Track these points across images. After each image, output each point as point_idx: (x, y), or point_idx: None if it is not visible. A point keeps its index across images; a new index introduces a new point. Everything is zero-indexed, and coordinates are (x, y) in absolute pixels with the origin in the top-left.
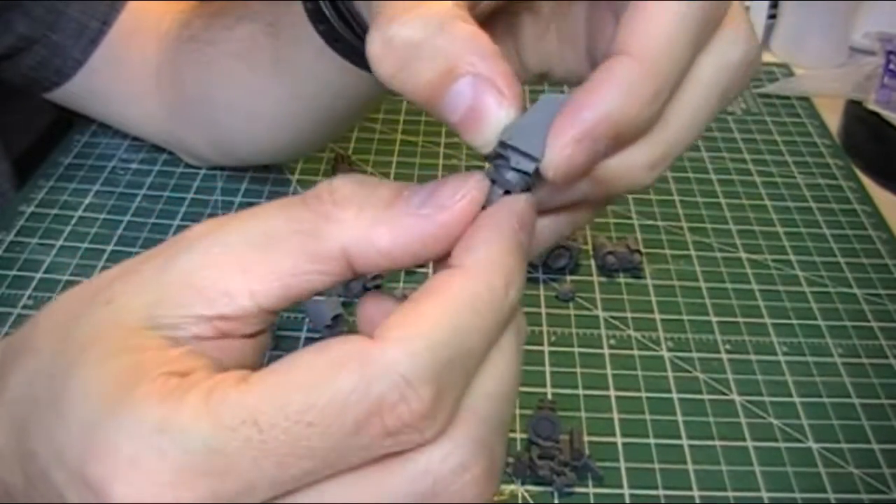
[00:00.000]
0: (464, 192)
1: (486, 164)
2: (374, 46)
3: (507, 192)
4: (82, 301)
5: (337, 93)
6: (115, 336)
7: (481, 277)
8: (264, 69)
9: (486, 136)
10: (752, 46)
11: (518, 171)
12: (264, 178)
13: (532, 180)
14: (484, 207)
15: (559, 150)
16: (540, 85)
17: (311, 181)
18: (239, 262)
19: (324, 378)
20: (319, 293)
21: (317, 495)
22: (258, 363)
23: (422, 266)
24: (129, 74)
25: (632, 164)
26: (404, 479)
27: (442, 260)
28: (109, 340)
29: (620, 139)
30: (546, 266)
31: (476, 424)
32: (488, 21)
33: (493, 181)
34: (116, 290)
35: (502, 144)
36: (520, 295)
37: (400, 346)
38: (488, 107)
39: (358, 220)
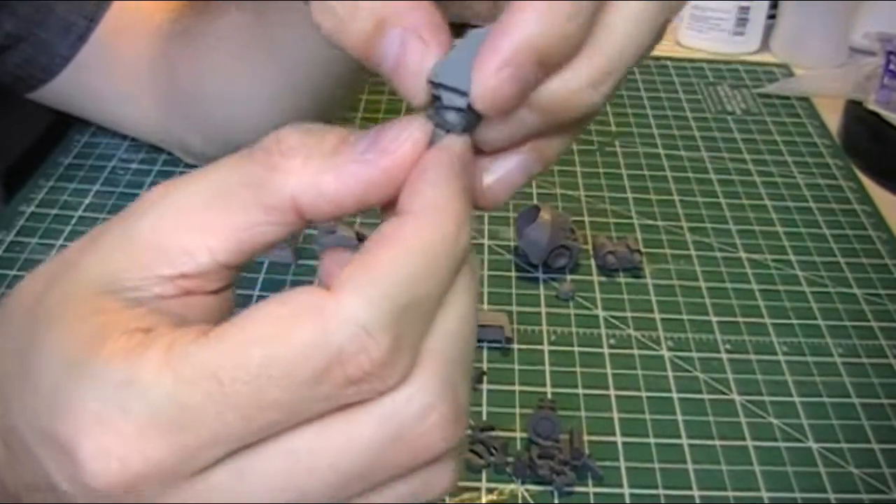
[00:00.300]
0: (406, 135)
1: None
2: (315, 8)
3: (451, 132)
4: (51, 273)
5: (327, 68)
6: (81, 302)
7: (432, 223)
8: (256, 54)
9: (415, 84)
10: None
11: (454, 108)
12: None
13: (472, 118)
14: None
15: (483, 82)
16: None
17: None
18: (194, 220)
19: (282, 330)
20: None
21: (283, 445)
22: (224, 319)
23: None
24: (119, 72)
25: (573, 86)
26: (371, 424)
27: (390, 204)
28: (75, 306)
29: (546, 63)
30: (546, 266)
31: (438, 365)
32: None
33: (436, 124)
34: (81, 259)
35: (433, 84)
36: (469, 237)
37: (356, 295)
38: (413, 57)
39: (305, 169)
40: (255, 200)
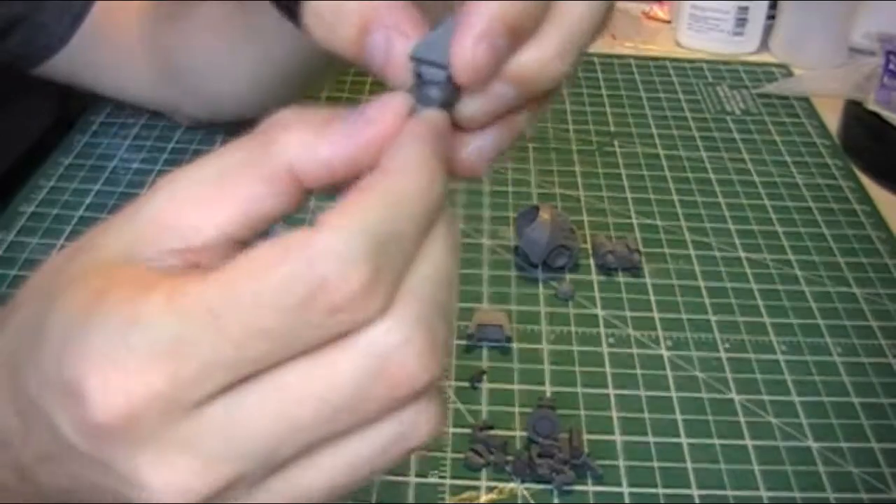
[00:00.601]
0: (389, 107)
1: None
2: (308, 19)
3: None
4: (65, 257)
5: (304, 55)
6: (95, 271)
7: (406, 175)
8: (238, 38)
9: (400, 74)
10: None
11: (434, 82)
12: None
13: (451, 92)
14: None
15: (462, 55)
16: None
17: None
18: (201, 197)
19: (271, 264)
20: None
21: (274, 379)
22: None
23: None
24: (114, 48)
25: (541, 56)
26: (353, 356)
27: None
28: (90, 275)
29: (516, 33)
30: (546, 265)
31: (415, 303)
32: None
33: (417, 100)
34: (94, 240)
35: (415, 62)
36: (444, 193)
37: (336, 230)
38: (399, 50)
39: (300, 139)
40: (256, 173)
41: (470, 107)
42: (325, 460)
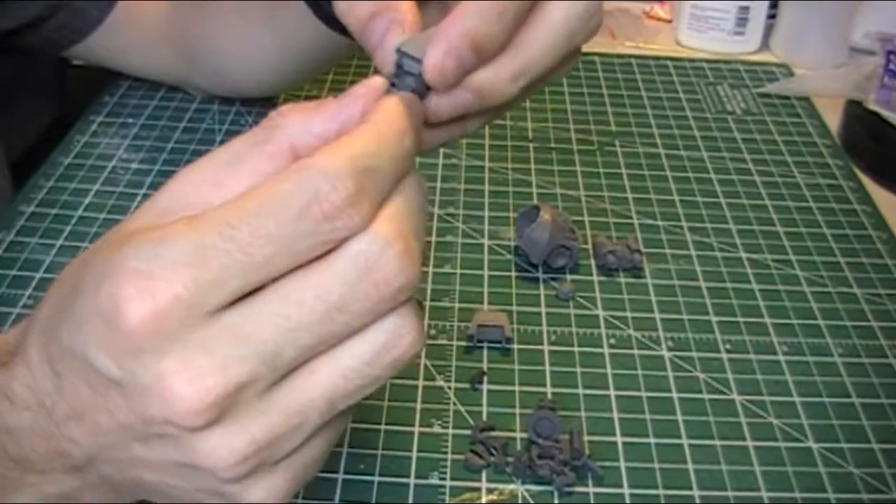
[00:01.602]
0: (369, 86)
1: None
2: None
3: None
4: (95, 245)
5: (319, 48)
6: (118, 240)
7: (383, 124)
8: (260, 25)
9: (384, 57)
10: (594, 3)
11: (411, 74)
12: None
13: (423, 86)
14: None
15: (434, 58)
16: None
17: None
18: (213, 178)
19: (273, 185)
20: None
21: (277, 288)
22: None
23: None
24: (142, 30)
25: (498, 76)
26: (342, 261)
27: None
28: (115, 242)
29: (480, 51)
30: (546, 266)
31: (392, 220)
32: None
33: (394, 85)
34: (126, 223)
35: (398, 52)
36: (413, 149)
37: (325, 156)
38: (390, 39)
39: (298, 120)
40: (261, 153)
41: (434, 102)
42: (321, 369)
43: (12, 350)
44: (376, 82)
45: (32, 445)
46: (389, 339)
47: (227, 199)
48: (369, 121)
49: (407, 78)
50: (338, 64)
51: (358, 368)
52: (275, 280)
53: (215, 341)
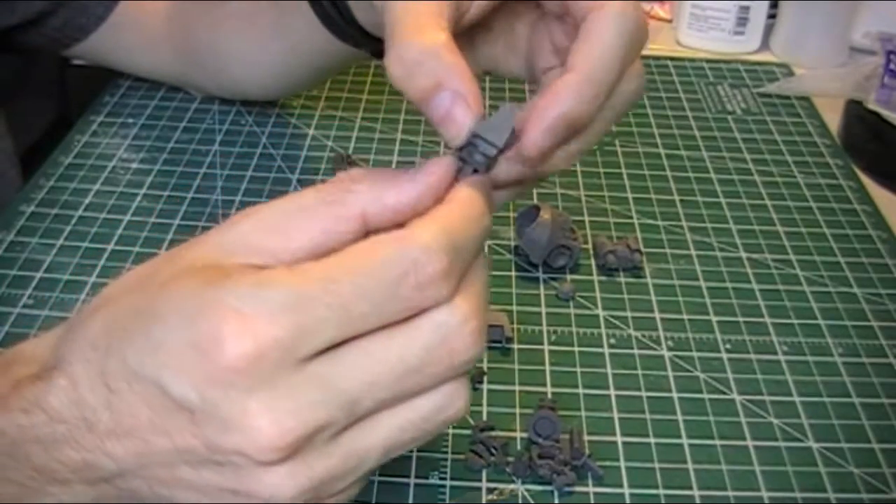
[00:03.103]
0: (442, 164)
1: (455, 153)
2: (391, 59)
3: (476, 171)
4: (149, 268)
5: (328, 57)
6: (194, 270)
7: (466, 205)
8: (266, 29)
9: (455, 132)
10: (643, 81)
11: (484, 155)
12: (264, 177)
13: (492, 164)
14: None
15: (534, 137)
16: (482, 79)
17: (311, 180)
18: (281, 227)
19: (375, 249)
20: None
21: (363, 344)
22: None
23: None
24: (145, 28)
25: (569, 153)
26: (427, 326)
27: None
28: (190, 272)
29: (572, 129)
30: (546, 265)
31: (473, 294)
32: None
33: (464, 162)
34: (181, 253)
35: (474, 135)
36: (490, 227)
37: (424, 230)
38: (458, 113)
39: (372, 188)
40: (331, 213)
41: (503, 172)
42: (384, 419)
43: (45, 362)
44: (448, 161)
45: (60, 457)
46: (445, 402)
47: (291, 248)
48: (455, 200)
49: (477, 156)
50: (341, 74)
51: (415, 422)
52: (361, 336)
53: (301, 386)
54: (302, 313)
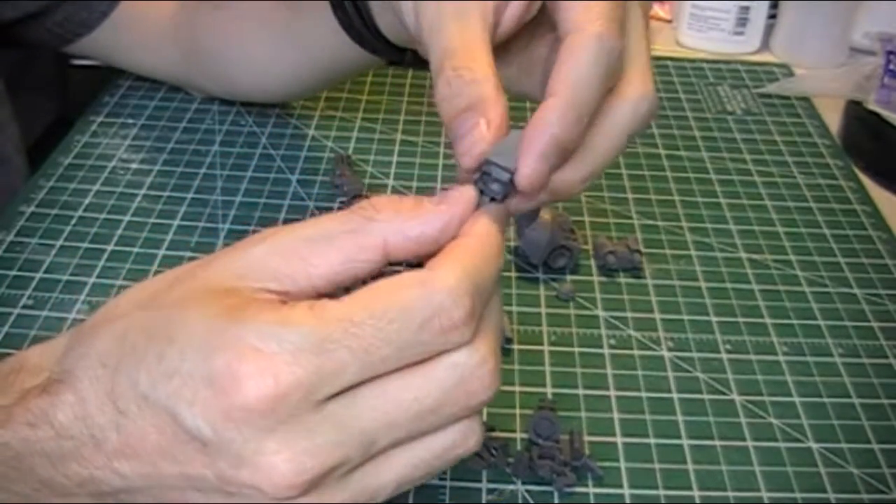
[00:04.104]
0: (465, 193)
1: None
2: (440, 84)
3: (492, 199)
4: (161, 283)
5: (342, 63)
6: (209, 291)
7: (483, 242)
8: (278, 34)
9: (467, 154)
10: (656, 103)
11: (499, 181)
12: (265, 177)
13: (509, 190)
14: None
15: (528, 167)
16: None
17: (311, 180)
18: (301, 252)
19: (398, 291)
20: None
21: (380, 385)
22: None
23: None
24: (148, 27)
25: (573, 178)
26: (446, 368)
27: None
28: (206, 293)
29: (563, 153)
30: (546, 266)
31: (489, 337)
32: None
33: (481, 192)
34: (199, 271)
35: (487, 162)
36: (502, 264)
37: (449, 272)
38: (477, 135)
39: (394, 218)
40: (353, 241)
41: (515, 203)
42: (397, 457)
43: (52, 373)
44: (470, 191)
45: (67, 472)
46: (458, 440)
47: (311, 274)
48: (473, 235)
49: (493, 184)
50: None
51: (428, 461)
52: (379, 376)
53: (319, 427)
54: (323, 356)
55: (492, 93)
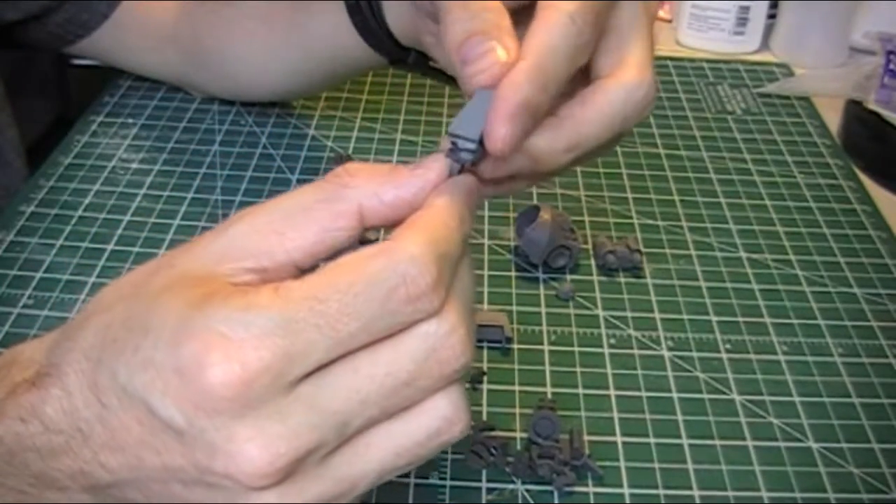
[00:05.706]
0: (438, 161)
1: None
2: (455, 9)
3: (462, 169)
4: (143, 274)
5: (342, 62)
6: (186, 280)
7: (448, 210)
8: (280, 32)
9: (496, 72)
10: (653, 93)
11: (467, 149)
12: (264, 177)
13: (478, 156)
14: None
15: (498, 128)
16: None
17: (311, 180)
18: (276, 227)
19: (362, 263)
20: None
21: (350, 363)
22: None
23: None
24: (149, 27)
25: (553, 146)
26: (416, 339)
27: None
28: (182, 282)
29: (535, 116)
30: (546, 266)
31: (458, 303)
32: None
33: (454, 160)
34: (176, 258)
35: (451, 134)
36: (470, 230)
37: (412, 242)
38: (500, 56)
39: (369, 184)
40: (328, 209)
41: (489, 168)
42: (378, 444)
43: (40, 368)
44: (443, 160)
45: (58, 465)
46: (442, 426)
47: (287, 248)
48: (436, 205)
49: (462, 153)
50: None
51: (411, 448)
52: (348, 353)
53: (290, 410)
54: (290, 337)
55: (509, 26)
